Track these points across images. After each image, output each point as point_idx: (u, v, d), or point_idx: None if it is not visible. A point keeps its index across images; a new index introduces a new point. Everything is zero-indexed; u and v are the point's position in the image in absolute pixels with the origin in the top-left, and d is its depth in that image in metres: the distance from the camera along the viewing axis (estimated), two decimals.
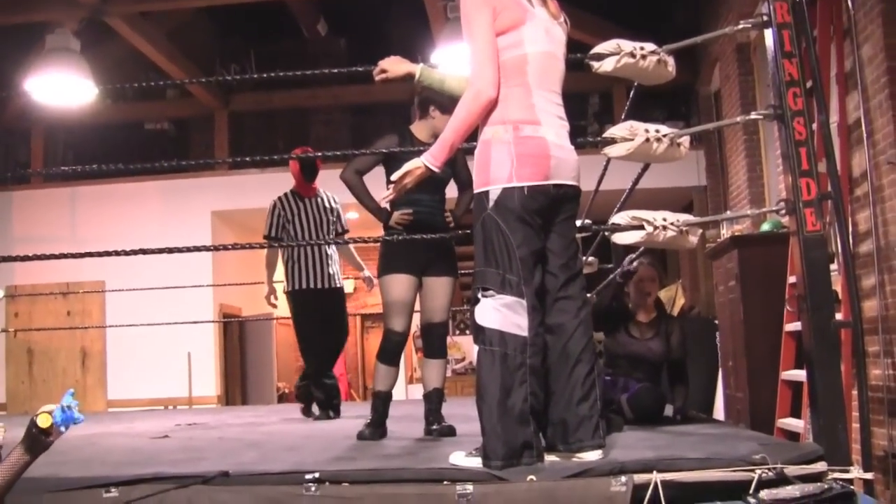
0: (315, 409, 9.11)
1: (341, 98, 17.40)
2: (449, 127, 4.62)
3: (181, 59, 15.11)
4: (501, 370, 4.38)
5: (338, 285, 9.09)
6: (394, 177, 4.79)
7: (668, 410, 6.86)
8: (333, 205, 9.25)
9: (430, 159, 4.65)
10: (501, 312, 4.41)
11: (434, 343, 6.79)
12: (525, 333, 4.40)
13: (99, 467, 4.98)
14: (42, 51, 11.46)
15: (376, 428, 6.40)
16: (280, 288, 9.39)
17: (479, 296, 4.49)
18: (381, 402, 6.57)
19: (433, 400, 6.68)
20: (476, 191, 4.60)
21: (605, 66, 5.21)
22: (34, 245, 9.15)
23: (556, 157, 4.53)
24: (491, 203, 4.48)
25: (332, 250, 9.09)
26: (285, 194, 9.15)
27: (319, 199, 9.18)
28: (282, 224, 9.04)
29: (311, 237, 8.93)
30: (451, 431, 6.36)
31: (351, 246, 9.49)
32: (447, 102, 6.09)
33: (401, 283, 6.58)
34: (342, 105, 18.05)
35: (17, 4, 12.70)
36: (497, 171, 4.48)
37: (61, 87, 11.08)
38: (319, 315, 8.96)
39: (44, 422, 3.63)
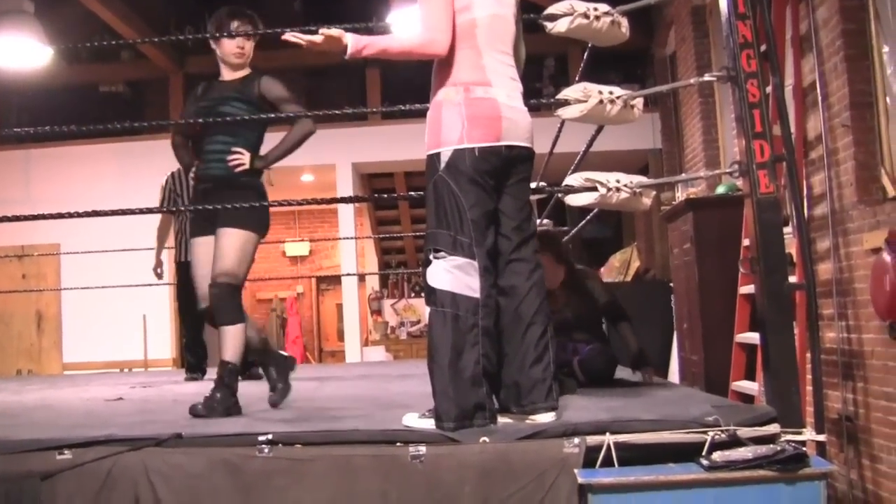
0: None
1: (296, 60, 17.31)
2: (386, 38, 4.68)
3: (136, 20, 14.98)
4: (453, 331, 4.38)
5: None
6: (306, 37, 4.81)
7: (622, 373, 6.89)
8: None
9: (353, 39, 4.64)
10: (453, 274, 4.41)
11: (215, 308, 6.06)
12: (477, 295, 4.40)
13: (52, 429, 4.96)
14: None
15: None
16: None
17: (431, 257, 4.49)
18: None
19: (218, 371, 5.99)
20: (428, 153, 4.59)
21: (559, 26, 5.22)
22: None
23: (507, 118, 4.53)
24: (442, 164, 4.48)
25: None
26: (177, 170, 9.40)
27: None
28: (172, 198, 9.39)
29: None
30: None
31: None
32: (219, 25, 6.17)
33: (194, 249, 6.21)
34: (297, 67, 17.98)
35: None
36: (448, 133, 4.48)
37: (15, 49, 10.98)
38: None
39: None
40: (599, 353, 6.55)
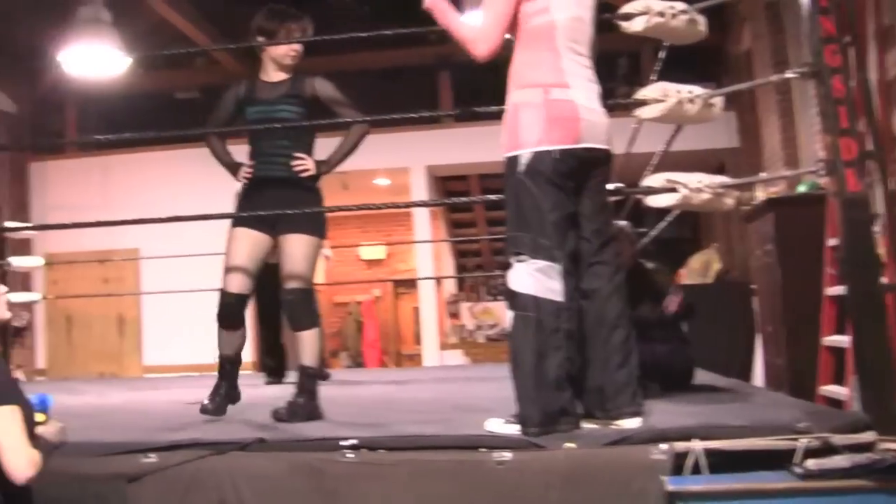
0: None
1: (367, 63, 17.37)
2: (456, 18, 4.78)
3: (209, 27, 15.13)
4: (536, 336, 4.35)
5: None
6: None
7: (701, 378, 6.78)
8: None
9: None
10: (535, 277, 4.38)
11: (292, 314, 6.17)
12: (559, 298, 4.37)
13: (137, 433, 5.00)
14: (74, 22, 11.47)
15: (217, 399, 5.99)
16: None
17: (512, 261, 4.46)
18: (229, 367, 6.24)
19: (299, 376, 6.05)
20: (506, 155, 4.56)
21: (635, 25, 5.18)
22: (70, 213, 9.17)
23: (586, 119, 4.51)
24: (521, 167, 4.45)
25: None
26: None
27: None
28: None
29: None
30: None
31: None
32: (272, 28, 6.21)
33: (237, 239, 6.21)
34: (368, 70, 18.04)
35: None
36: (527, 135, 4.46)
37: (93, 58, 11.09)
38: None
39: (39, 418, 3.64)
40: (673, 353, 6.45)
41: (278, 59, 6.22)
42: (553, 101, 4.48)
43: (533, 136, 4.44)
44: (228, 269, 6.14)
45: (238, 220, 6.17)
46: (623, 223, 7.50)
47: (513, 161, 4.50)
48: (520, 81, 4.60)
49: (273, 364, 9.63)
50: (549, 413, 4.31)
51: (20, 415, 3.41)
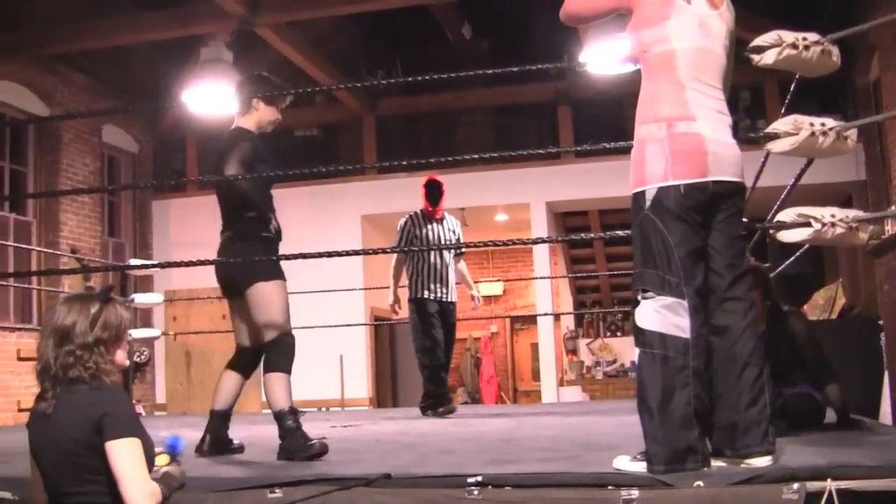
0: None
1: (486, 100, 17.42)
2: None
3: (328, 65, 15.30)
4: (663, 373, 4.27)
5: (454, 300, 9.93)
6: None
7: (829, 416, 6.63)
8: (456, 229, 10.09)
9: None
10: (661, 314, 4.31)
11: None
12: (686, 335, 4.28)
13: (261, 468, 5.01)
14: (197, 63, 11.68)
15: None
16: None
17: (639, 297, 4.39)
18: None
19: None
20: (632, 191, 4.51)
21: (767, 58, 5.07)
22: (190, 250, 9.28)
23: (713, 152, 4.41)
24: (647, 203, 4.39)
25: (451, 269, 9.86)
26: (415, 213, 9.96)
27: (444, 222, 10.00)
28: (409, 240, 9.82)
29: (431, 254, 9.69)
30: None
31: (465, 268, 10.43)
32: (272, 93, 6.52)
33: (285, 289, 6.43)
34: (487, 106, 18.09)
35: (174, 20, 13.12)
36: (652, 170, 4.40)
37: (215, 97, 11.24)
38: (438, 322, 9.74)
39: (162, 460, 3.67)
40: (800, 399, 6.30)
41: (265, 126, 6.69)
42: (677, 135, 4.40)
43: (658, 171, 4.38)
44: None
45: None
46: (752, 260, 7.37)
47: (639, 197, 4.45)
48: (644, 116, 4.53)
49: (436, 393, 9.81)
50: (675, 451, 4.22)
51: (141, 448, 3.46)
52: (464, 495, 4.13)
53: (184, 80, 11.48)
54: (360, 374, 15.90)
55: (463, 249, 10.42)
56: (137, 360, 15.70)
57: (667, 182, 4.35)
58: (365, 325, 15.50)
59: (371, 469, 4.57)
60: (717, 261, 4.51)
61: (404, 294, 10.03)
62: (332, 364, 15.54)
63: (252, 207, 6.34)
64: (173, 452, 3.77)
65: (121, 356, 3.74)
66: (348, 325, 12.83)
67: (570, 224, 17.57)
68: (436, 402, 9.72)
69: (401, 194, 15.76)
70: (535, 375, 18.14)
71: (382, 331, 17.26)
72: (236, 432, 6.94)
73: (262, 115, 6.57)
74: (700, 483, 4.01)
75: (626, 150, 4.79)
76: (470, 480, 4.16)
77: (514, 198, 15.24)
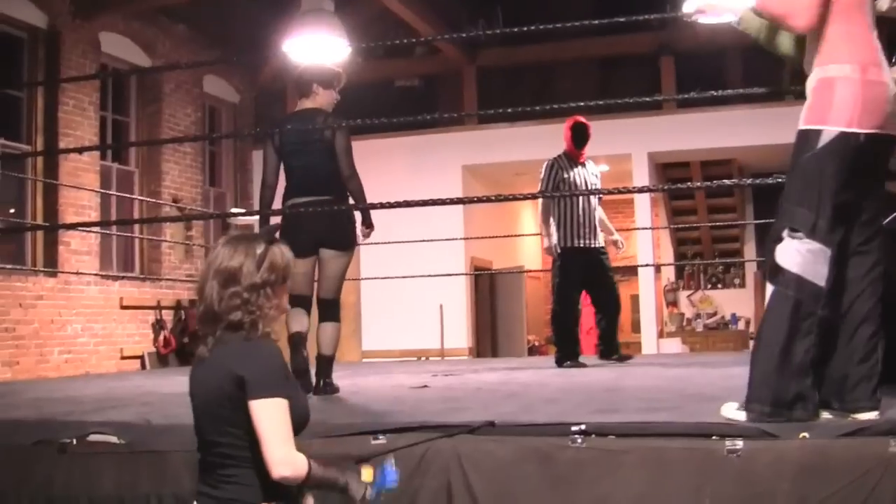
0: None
1: (587, 51, 17.29)
2: None
3: (429, 15, 15.25)
4: (791, 316, 4.20)
5: (600, 245, 9.61)
6: None
7: None
8: (597, 172, 9.81)
9: None
10: (805, 257, 4.21)
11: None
12: (823, 284, 4.21)
13: (365, 415, 5.06)
14: (298, 12, 11.70)
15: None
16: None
17: (785, 234, 4.28)
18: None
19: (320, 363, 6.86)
20: (805, 126, 4.35)
21: (881, 5, 4.96)
22: None
23: (892, 105, 4.29)
24: (821, 143, 4.23)
25: (597, 215, 9.54)
26: (559, 156, 9.61)
27: (587, 166, 9.68)
28: (556, 184, 9.44)
29: (579, 199, 9.33)
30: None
31: (603, 213, 9.92)
32: (328, 77, 7.04)
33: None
34: (588, 58, 17.96)
35: None
36: (838, 113, 4.23)
37: (317, 46, 11.26)
38: (583, 272, 9.51)
39: (366, 473, 3.58)
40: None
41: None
42: (871, 82, 4.24)
43: (844, 115, 4.22)
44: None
45: None
46: None
47: (812, 135, 4.29)
48: (835, 55, 4.31)
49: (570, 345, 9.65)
50: (783, 397, 4.18)
51: (284, 409, 3.40)
52: (567, 443, 4.14)
53: (285, 30, 11.48)
54: (459, 324, 15.95)
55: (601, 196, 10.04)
56: None
57: (851, 129, 4.21)
58: (465, 274, 15.53)
59: (474, 417, 4.59)
60: (857, 215, 4.41)
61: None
62: (432, 314, 15.59)
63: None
64: (381, 485, 3.55)
65: (285, 301, 3.67)
66: (447, 275, 12.84)
67: (671, 175, 17.42)
68: (565, 355, 9.50)
69: (501, 145, 15.77)
70: (636, 327, 18.04)
71: (482, 281, 17.27)
72: (342, 381, 7.00)
73: (321, 100, 7.20)
74: (806, 434, 3.99)
75: (729, 101, 4.72)
76: (574, 429, 4.16)
77: (616, 148, 15.14)
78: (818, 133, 4.24)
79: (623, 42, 16.59)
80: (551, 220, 9.45)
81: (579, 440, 4.13)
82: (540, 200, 9.84)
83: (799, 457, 3.93)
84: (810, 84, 4.35)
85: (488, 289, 17.79)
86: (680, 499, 4.00)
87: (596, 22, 7.85)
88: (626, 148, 15.23)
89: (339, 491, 3.46)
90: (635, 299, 17.51)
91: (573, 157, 9.57)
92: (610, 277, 9.83)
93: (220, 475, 3.38)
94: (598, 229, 9.54)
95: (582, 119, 9.65)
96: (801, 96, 4.59)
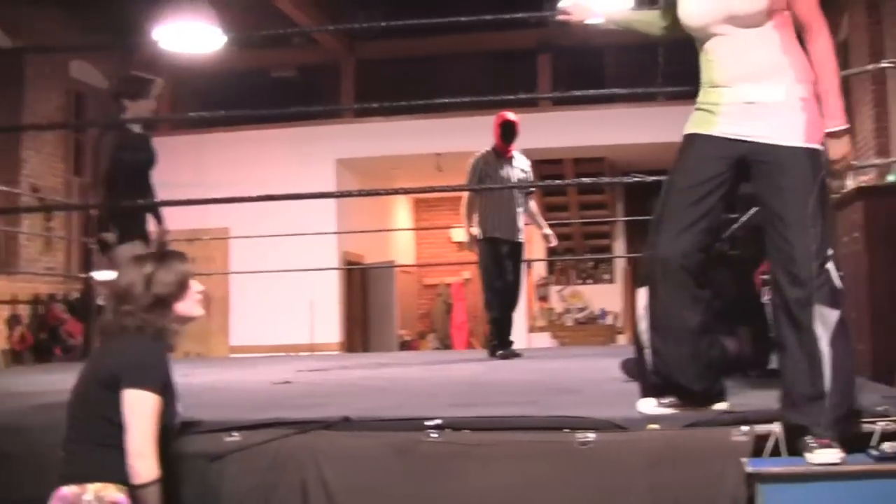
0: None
1: (468, 46, 17.37)
2: (834, 85, 4.16)
3: (307, 5, 15.17)
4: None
5: (521, 240, 9.72)
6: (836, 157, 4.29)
7: None
8: (525, 167, 9.89)
9: (839, 122, 4.15)
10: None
11: None
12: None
13: (221, 411, 5.00)
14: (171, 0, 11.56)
15: None
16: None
17: (830, 255, 4.05)
18: None
19: None
20: (805, 144, 4.11)
21: None
22: (162, 191, 9.19)
23: None
24: (824, 161, 4.11)
25: (520, 209, 9.63)
26: (487, 151, 9.78)
27: (514, 161, 9.79)
28: (482, 179, 9.59)
29: (506, 194, 9.50)
30: None
31: (535, 207, 10.16)
32: (135, 89, 7.19)
33: None
34: (469, 53, 18.03)
35: None
36: (820, 131, 4.12)
37: (189, 35, 11.12)
38: (504, 263, 9.56)
39: None
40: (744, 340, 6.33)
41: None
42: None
43: (820, 133, 4.12)
44: None
45: None
46: None
47: (816, 154, 4.11)
48: (803, 75, 4.17)
49: (500, 338, 9.65)
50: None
51: (153, 404, 3.52)
52: (423, 438, 4.15)
53: (158, 17, 11.34)
54: (330, 318, 15.94)
55: (532, 189, 10.25)
56: (101, 303, 15.68)
57: (822, 147, 4.15)
58: (337, 269, 15.50)
59: (334, 413, 4.56)
60: None
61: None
62: (302, 308, 15.54)
63: None
64: None
65: (185, 308, 3.94)
66: (319, 269, 12.81)
67: (544, 172, 17.56)
68: (499, 344, 9.56)
69: (377, 139, 15.77)
70: None
71: (354, 275, 17.28)
72: (203, 377, 6.95)
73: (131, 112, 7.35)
74: (654, 426, 4.09)
75: (603, 99, 4.77)
76: (429, 423, 4.17)
77: (491, 143, 15.21)
78: (819, 153, 4.13)
79: (503, 38, 16.69)
80: (475, 214, 9.65)
81: (434, 434, 4.14)
82: (464, 195, 9.96)
83: (648, 447, 4.02)
84: (799, 95, 4.16)
85: (360, 283, 17.80)
86: (534, 491, 4.05)
87: (471, 18, 7.84)
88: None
89: None
90: None
91: (500, 152, 9.70)
92: (518, 274, 9.85)
93: (86, 459, 3.57)
94: (521, 224, 9.66)
95: (511, 117, 9.75)
96: (673, 97, 4.65)
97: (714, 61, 4.28)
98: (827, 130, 4.10)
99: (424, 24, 6.08)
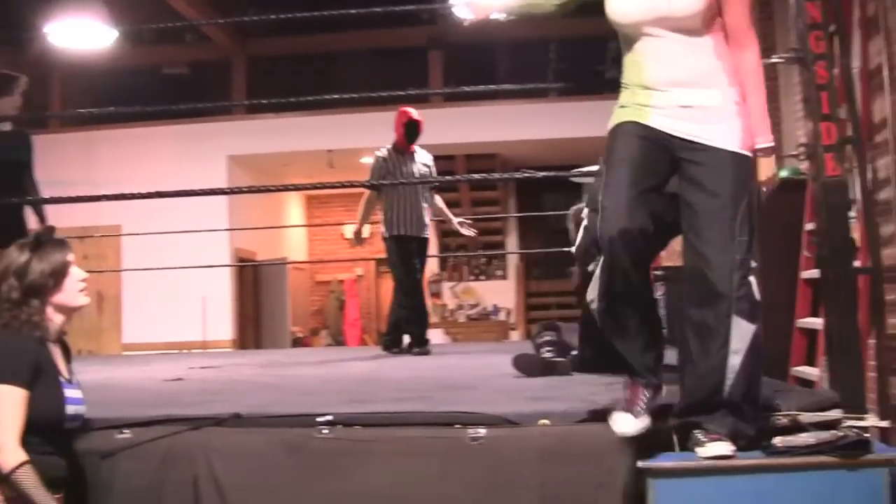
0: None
1: (359, 43, 17.38)
2: (762, 100, 4.14)
3: (198, 2, 15.09)
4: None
5: (427, 236, 9.68)
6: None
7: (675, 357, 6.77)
8: (428, 162, 9.82)
9: (768, 139, 4.11)
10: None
11: None
12: None
13: (113, 409, 4.99)
14: None
15: None
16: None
17: (753, 267, 4.08)
18: None
19: None
20: (741, 150, 3.99)
21: None
22: (52, 188, 9.09)
23: None
24: (753, 171, 4.13)
25: (425, 204, 9.56)
26: (388, 149, 9.68)
27: (417, 156, 9.73)
28: (383, 175, 9.47)
29: (409, 190, 9.40)
30: None
31: (441, 201, 10.07)
32: None
33: None
34: (360, 49, 18.04)
35: None
36: (751, 138, 4.06)
37: (80, 31, 11.01)
38: (412, 260, 9.51)
39: None
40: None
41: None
42: None
43: (753, 141, 4.05)
44: None
45: None
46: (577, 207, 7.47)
47: (748, 162, 4.04)
48: (736, 77, 4.07)
49: (394, 336, 9.70)
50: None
51: (11, 398, 3.50)
52: (314, 434, 4.17)
53: (48, 14, 11.21)
54: (223, 315, 15.87)
55: (436, 184, 10.19)
56: None
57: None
58: (229, 266, 15.44)
59: (225, 409, 4.56)
60: None
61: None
62: (195, 305, 15.46)
63: None
64: None
65: (66, 298, 3.93)
66: (211, 266, 12.75)
67: (437, 168, 17.59)
68: (413, 342, 9.53)
69: (269, 135, 15.73)
70: None
71: (246, 272, 17.21)
72: (94, 374, 6.89)
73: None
74: (545, 421, 4.12)
75: (495, 96, 4.79)
76: (320, 420, 4.20)
77: (382, 140, 15.21)
78: (752, 161, 4.09)
79: (394, 35, 16.73)
80: (372, 213, 9.73)
81: (326, 431, 4.16)
82: (365, 192, 9.86)
83: (539, 443, 4.05)
84: (733, 99, 4.06)
85: (252, 280, 17.74)
86: (426, 486, 4.07)
87: (360, 11, 7.89)
88: (391, 140, 15.34)
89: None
90: None
91: (402, 149, 9.65)
92: (422, 270, 9.82)
93: None
94: (427, 220, 9.59)
95: (416, 115, 9.71)
96: (564, 93, 4.68)
97: (643, 63, 4.08)
98: (757, 147, 4.03)
99: (316, 19, 6.08)
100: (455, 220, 10.22)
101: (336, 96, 8.83)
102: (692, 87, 3.99)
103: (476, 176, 8.88)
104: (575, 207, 7.27)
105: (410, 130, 9.63)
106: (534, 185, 18.35)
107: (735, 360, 3.94)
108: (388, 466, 4.11)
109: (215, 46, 16.88)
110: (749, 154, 4.00)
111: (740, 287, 3.97)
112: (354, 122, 15.23)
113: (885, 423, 4.35)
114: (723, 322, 3.95)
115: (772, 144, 4.06)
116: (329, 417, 4.21)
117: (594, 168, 4.99)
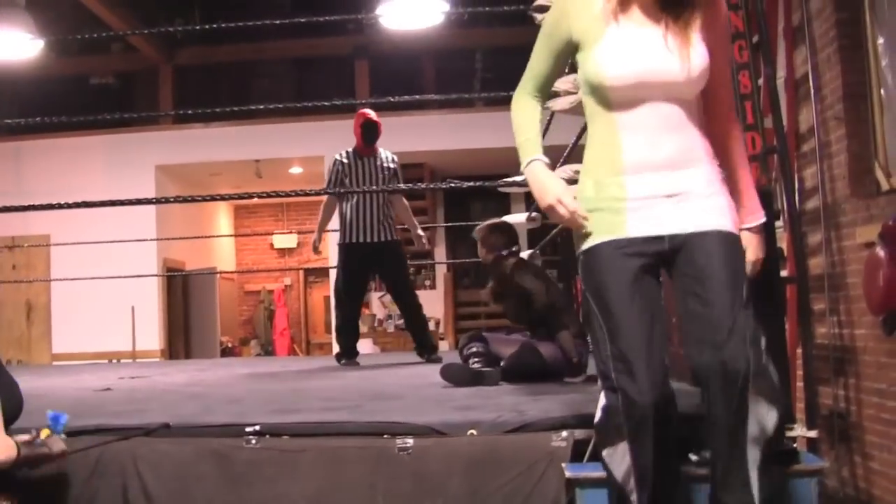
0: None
1: (285, 52, 17.38)
2: (751, 177, 3.79)
3: (125, 12, 15.03)
4: None
5: (391, 238, 9.24)
6: None
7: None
8: (391, 164, 9.47)
9: (761, 215, 3.73)
10: None
11: None
12: None
13: (42, 419, 4.98)
14: None
15: None
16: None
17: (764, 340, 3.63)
18: None
19: None
20: (733, 230, 3.51)
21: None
22: None
23: None
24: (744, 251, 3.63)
25: (388, 208, 9.27)
26: (347, 152, 9.35)
27: (378, 159, 9.36)
28: (339, 179, 9.23)
29: (367, 194, 9.08)
30: None
31: (405, 203, 9.77)
32: None
33: None
34: (286, 59, 18.04)
35: None
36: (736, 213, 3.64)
37: (6, 41, 10.94)
38: (368, 268, 9.39)
39: (44, 434, 3.89)
40: (518, 359, 6.46)
41: None
42: None
43: (738, 219, 3.65)
44: None
45: None
46: (534, 215, 7.51)
47: (740, 241, 3.59)
48: (711, 150, 3.57)
49: (349, 344, 9.45)
50: None
51: None
52: (243, 444, 4.18)
53: None
54: (151, 325, 15.79)
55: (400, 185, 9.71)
56: None
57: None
58: (157, 275, 15.37)
59: (155, 419, 4.56)
60: None
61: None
62: (124, 315, 15.38)
63: None
64: (55, 427, 3.92)
65: None
66: (139, 276, 12.69)
67: None
68: (343, 353, 9.37)
69: (196, 145, 15.70)
70: (328, 328, 18.22)
71: (175, 282, 17.14)
72: (24, 384, 6.85)
73: None
74: (473, 431, 4.15)
75: (422, 106, 4.81)
76: (248, 430, 4.21)
77: (310, 150, 15.24)
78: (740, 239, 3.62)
79: (320, 44, 16.75)
80: (329, 219, 9.56)
81: (254, 441, 4.18)
82: (323, 198, 9.65)
83: (468, 452, 4.07)
84: (717, 177, 3.57)
85: (181, 290, 17.67)
86: (355, 496, 4.08)
87: (285, 21, 7.91)
88: (319, 150, 15.36)
89: (47, 458, 3.82)
90: (328, 300, 17.69)
91: (361, 152, 9.34)
92: (402, 272, 9.55)
93: None
94: (389, 222, 9.26)
95: (373, 116, 9.44)
96: (491, 103, 4.70)
97: (622, 142, 3.46)
98: (752, 225, 3.67)
99: (242, 29, 6.08)
100: (418, 228, 9.81)
101: (262, 107, 8.82)
102: (675, 170, 3.45)
103: (403, 186, 8.85)
104: (480, 226, 7.28)
105: (367, 132, 9.33)
106: (461, 194, 18.42)
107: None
108: (315, 476, 4.12)
109: (142, 57, 16.81)
110: (737, 233, 3.55)
111: (750, 363, 3.49)
112: (281, 132, 15.26)
113: (813, 434, 4.40)
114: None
115: (764, 220, 3.74)
116: (257, 427, 4.23)
117: (521, 178, 5.02)
